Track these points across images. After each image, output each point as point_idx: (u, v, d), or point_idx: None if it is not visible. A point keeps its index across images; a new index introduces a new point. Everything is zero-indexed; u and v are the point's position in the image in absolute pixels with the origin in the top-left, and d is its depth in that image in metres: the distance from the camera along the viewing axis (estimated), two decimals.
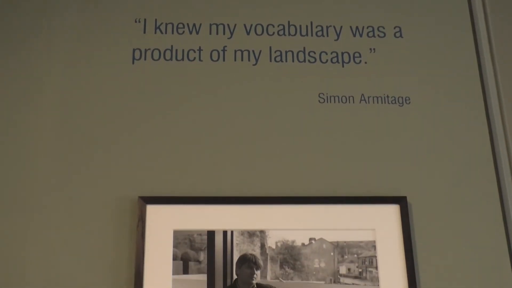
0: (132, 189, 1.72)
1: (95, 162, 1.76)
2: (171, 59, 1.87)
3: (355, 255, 1.69)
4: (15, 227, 1.68)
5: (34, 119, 1.79)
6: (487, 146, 1.84)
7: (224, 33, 1.91)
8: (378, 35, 1.94)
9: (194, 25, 1.91)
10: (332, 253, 1.69)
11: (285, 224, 1.70)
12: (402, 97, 1.86)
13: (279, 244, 1.69)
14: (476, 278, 1.69)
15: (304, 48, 1.91)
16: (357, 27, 1.95)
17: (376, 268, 1.67)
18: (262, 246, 1.68)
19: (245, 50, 1.90)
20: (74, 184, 1.73)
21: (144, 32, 1.90)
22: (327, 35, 1.93)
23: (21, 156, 1.75)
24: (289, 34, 1.92)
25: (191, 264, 1.66)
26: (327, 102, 1.85)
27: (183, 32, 1.91)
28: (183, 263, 1.66)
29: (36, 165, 1.74)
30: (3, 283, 1.63)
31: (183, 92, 1.84)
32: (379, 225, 1.71)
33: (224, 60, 1.88)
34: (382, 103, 1.86)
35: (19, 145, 1.76)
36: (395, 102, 1.86)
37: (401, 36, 1.94)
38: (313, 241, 1.69)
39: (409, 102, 1.86)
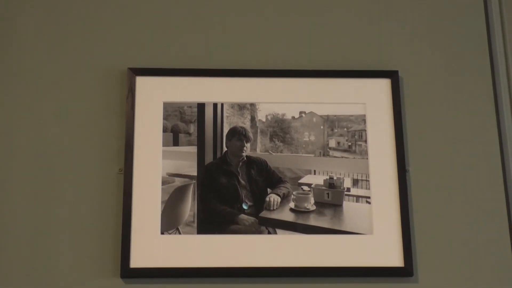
0: (121, 60, 1.70)
1: (84, 33, 1.73)
2: None
3: (345, 129, 1.69)
4: (7, 100, 1.67)
5: None
6: (482, 21, 1.80)
7: None
8: None
9: None
10: (322, 127, 1.69)
11: (276, 97, 1.69)
12: None
13: (269, 117, 1.69)
14: (465, 155, 1.69)
15: None
16: None
17: (366, 141, 1.68)
18: (252, 119, 1.68)
19: None
20: (63, 56, 1.71)
21: None
22: None
23: (8, 31, 1.72)
24: None
25: (181, 136, 1.67)
26: None
27: None
28: (173, 135, 1.66)
29: (24, 39, 1.72)
30: None
31: None
32: (370, 99, 1.70)
33: None
34: None
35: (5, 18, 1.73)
36: None
37: None
38: (303, 115, 1.69)
39: None
